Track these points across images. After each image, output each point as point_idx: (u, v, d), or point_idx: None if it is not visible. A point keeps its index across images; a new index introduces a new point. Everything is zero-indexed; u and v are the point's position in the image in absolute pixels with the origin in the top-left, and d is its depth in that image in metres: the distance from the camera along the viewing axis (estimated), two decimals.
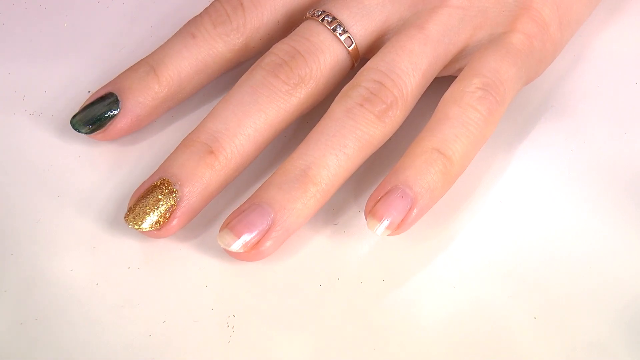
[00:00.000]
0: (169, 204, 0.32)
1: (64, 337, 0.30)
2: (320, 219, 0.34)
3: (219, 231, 0.31)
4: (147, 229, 0.32)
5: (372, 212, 0.31)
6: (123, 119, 0.34)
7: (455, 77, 0.35)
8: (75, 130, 0.34)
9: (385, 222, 0.31)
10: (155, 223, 0.32)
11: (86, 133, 0.34)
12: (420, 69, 0.33)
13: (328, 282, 0.32)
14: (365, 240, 0.33)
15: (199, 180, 0.32)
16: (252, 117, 0.33)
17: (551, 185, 0.35)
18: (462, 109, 0.33)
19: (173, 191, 0.32)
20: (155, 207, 0.32)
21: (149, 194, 0.32)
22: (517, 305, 0.31)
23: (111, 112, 0.34)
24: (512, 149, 0.36)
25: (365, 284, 0.32)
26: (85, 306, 0.31)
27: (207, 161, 0.32)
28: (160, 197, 0.32)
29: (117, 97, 0.34)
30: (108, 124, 0.34)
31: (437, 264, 0.33)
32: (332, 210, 0.34)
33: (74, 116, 0.35)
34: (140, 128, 0.36)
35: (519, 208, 0.34)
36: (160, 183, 0.32)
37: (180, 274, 0.32)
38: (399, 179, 0.32)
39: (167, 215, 0.32)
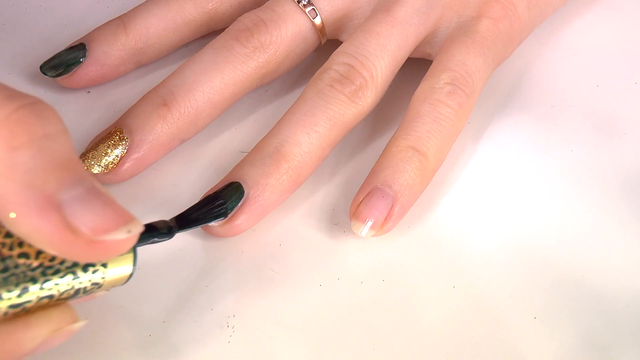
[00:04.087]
0: (119, 150, 0.33)
1: None
2: (320, 219, 0.34)
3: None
4: (97, 172, 0.33)
5: (355, 215, 0.32)
6: (89, 66, 0.36)
7: (430, 61, 0.36)
8: (44, 73, 0.36)
9: (369, 223, 0.32)
10: (104, 167, 0.33)
11: (53, 76, 0.36)
12: (388, 50, 0.34)
13: (328, 282, 0.32)
14: (365, 240, 0.33)
15: (150, 130, 0.33)
16: (208, 75, 0.34)
17: (551, 185, 0.35)
18: (432, 105, 0.34)
19: (123, 138, 0.33)
20: (105, 154, 0.33)
21: (102, 141, 0.33)
22: (517, 305, 0.31)
23: (78, 59, 0.36)
24: (512, 149, 0.36)
25: (365, 284, 0.32)
26: (85, 306, 0.31)
27: (160, 112, 0.34)
28: (111, 143, 0.33)
29: (85, 46, 0.36)
30: (74, 69, 0.36)
31: (437, 264, 0.33)
32: (332, 210, 0.34)
33: (45, 62, 0.36)
34: (109, 79, 0.37)
35: (519, 208, 0.34)
36: (114, 131, 0.34)
37: (180, 274, 0.32)
38: (378, 179, 0.33)
39: (117, 161, 0.33)
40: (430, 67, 0.35)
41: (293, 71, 0.38)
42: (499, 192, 0.35)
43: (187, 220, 0.30)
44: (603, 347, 0.30)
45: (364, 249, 0.33)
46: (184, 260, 0.33)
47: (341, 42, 0.37)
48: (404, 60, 0.36)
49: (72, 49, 0.36)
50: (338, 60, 0.34)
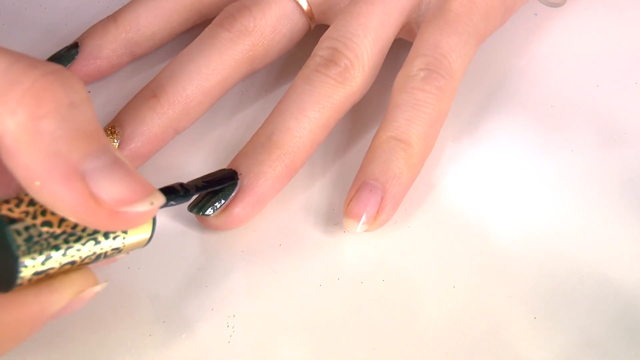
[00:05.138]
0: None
1: (64, 337, 0.30)
2: (321, 219, 0.34)
3: (192, 201, 0.32)
4: None
5: (347, 212, 0.32)
6: (82, 60, 0.37)
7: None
8: None
9: (362, 219, 0.32)
10: None
11: None
12: (370, 28, 0.34)
13: (328, 282, 0.32)
14: (365, 240, 0.33)
15: (140, 122, 0.34)
16: (196, 63, 0.34)
17: (551, 185, 0.35)
18: (409, 93, 0.33)
19: (115, 132, 0.33)
20: None
21: None
22: (517, 305, 0.31)
23: (72, 55, 0.36)
24: (511, 150, 0.36)
25: (365, 284, 0.32)
26: (85, 306, 0.31)
27: (149, 104, 0.34)
28: None
29: (78, 44, 0.37)
30: (68, 66, 0.36)
31: (437, 264, 0.33)
32: (332, 211, 0.34)
33: None
34: (105, 73, 0.37)
35: (519, 208, 0.34)
36: (106, 128, 0.34)
37: (180, 274, 0.32)
38: (366, 174, 0.33)
39: None
40: (408, 56, 0.35)
41: (294, 66, 0.38)
42: (498, 192, 0.35)
43: (200, 183, 0.31)
44: (603, 347, 0.30)
45: (364, 249, 0.33)
46: (184, 260, 0.33)
47: None
48: (393, 37, 0.36)
49: (65, 48, 0.37)
50: (322, 46, 0.35)
